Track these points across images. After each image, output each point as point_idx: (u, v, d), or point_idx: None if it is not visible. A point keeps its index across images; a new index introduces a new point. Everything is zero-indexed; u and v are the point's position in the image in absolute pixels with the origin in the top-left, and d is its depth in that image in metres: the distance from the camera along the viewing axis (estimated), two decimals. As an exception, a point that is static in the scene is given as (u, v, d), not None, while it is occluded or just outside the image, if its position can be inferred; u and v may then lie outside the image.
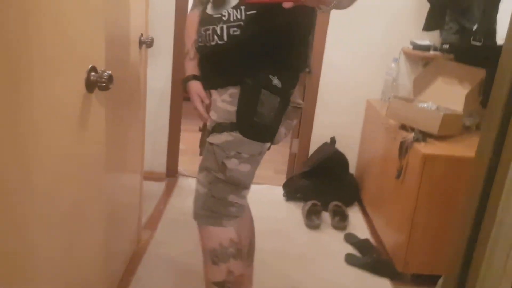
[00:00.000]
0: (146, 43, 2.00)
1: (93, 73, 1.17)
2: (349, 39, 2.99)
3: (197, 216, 1.52)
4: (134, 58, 1.85)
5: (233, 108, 1.41)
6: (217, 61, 1.46)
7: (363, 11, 2.92)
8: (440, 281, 2.12)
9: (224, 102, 1.43)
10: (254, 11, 1.37)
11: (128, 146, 1.93)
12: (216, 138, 1.43)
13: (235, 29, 1.38)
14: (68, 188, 1.19)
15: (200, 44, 1.49)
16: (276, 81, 1.40)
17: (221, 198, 1.46)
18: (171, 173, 3.21)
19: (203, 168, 1.48)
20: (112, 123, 1.52)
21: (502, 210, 1.18)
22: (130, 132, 1.92)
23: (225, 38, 1.39)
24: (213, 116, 1.46)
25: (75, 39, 1.08)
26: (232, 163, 1.42)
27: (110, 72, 1.19)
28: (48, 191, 1.05)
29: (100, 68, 1.22)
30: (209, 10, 1.45)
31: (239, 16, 1.38)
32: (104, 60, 1.29)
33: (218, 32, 1.40)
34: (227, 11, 1.39)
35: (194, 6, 1.60)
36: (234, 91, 1.41)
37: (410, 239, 2.19)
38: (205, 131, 1.62)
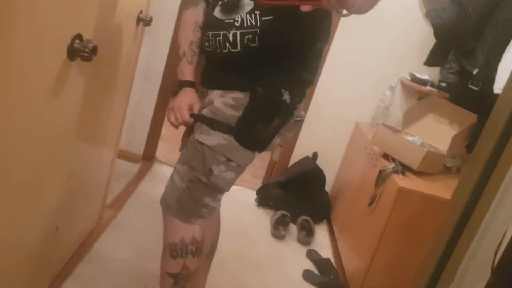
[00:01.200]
0: (144, 21, 1.95)
1: (77, 41, 1.13)
2: (349, 58, 2.98)
3: (166, 206, 1.49)
4: (128, 34, 1.80)
5: (232, 112, 1.36)
6: (228, 67, 1.41)
7: (368, 32, 2.91)
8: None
9: (225, 105, 1.37)
10: (270, 17, 1.31)
11: (105, 122, 1.88)
12: (209, 139, 1.37)
13: (249, 36, 1.32)
14: (32, 152, 1.14)
15: (208, 49, 1.42)
16: (286, 96, 1.37)
17: (197, 199, 1.43)
18: (148, 156, 3.15)
19: (186, 163, 1.43)
20: (91, 95, 1.47)
21: (470, 255, 1.17)
22: (110, 108, 1.87)
23: (238, 46, 1.33)
24: (207, 113, 1.39)
25: (63, 4, 1.03)
26: (218, 170, 1.38)
27: (95, 43, 1.15)
28: (11, 152, 1.00)
29: (86, 37, 1.18)
30: (218, 14, 1.38)
31: (253, 23, 1.31)
32: (92, 30, 1.25)
33: (231, 39, 1.33)
34: (240, 16, 1.32)
35: (189, 3, 1.50)
36: (239, 95, 1.36)
37: (370, 267, 2.18)
38: (190, 128, 1.57)
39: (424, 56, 2.71)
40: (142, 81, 2.90)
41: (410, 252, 2.15)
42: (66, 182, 1.53)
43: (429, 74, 2.84)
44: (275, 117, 1.38)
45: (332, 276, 2.37)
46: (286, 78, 1.38)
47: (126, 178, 2.82)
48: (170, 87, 3.02)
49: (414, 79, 2.83)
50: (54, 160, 1.34)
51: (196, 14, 1.46)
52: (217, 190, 1.44)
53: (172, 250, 1.48)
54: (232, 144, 1.37)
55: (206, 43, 1.41)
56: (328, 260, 2.54)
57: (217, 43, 1.37)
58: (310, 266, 2.48)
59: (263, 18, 1.31)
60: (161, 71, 2.98)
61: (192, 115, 1.40)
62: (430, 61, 2.68)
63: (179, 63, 1.46)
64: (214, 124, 1.37)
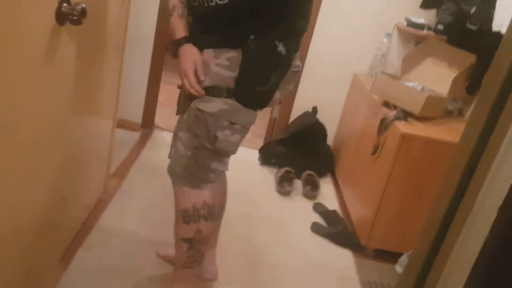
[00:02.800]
0: (131, -17, 1.89)
1: (65, 4, 1.09)
2: (343, 9, 2.91)
3: (174, 175, 1.50)
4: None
5: (229, 74, 1.33)
6: (216, 21, 1.35)
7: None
8: (401, 259, 2.15)
9: (219, 66, 1.33)
10: None
11: (101, 90, 1.85)
12: (210, 106, 1.35)
13: None
14: (31, 118, 1.13)
15: (193, 4, 1.36)
16: (281, 48, 1.32)
17: (204, 165, 1.43)
18: (147, 124, 3.13)
19: (189, 131, 1.41)
20: (83, 63, 1.44)
21: (482, 197, 1.16)
22: (104, 76, 1.84)
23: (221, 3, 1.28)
24: (206, 80, 1.36)
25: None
26: (224, 135, 1.37)
27: (84, 5, 1.11)
28: (6, 125, 0.98)
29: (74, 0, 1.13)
30: None
31: None
32: (79, -8, 1.20)
33: None
34: None
35: None
36: (233, 54, 1.32)
37: (376, 215, 2.20)
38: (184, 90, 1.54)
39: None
40: (134, 48, 2.84)
41: (416, 196, 2.17)
42: (67, 152, 1.52)
43: (426, 17, 2.78)
44: (272, 71, 1.35)
45: (340, 227, 2.40)
46: (278, 29, 1.33)
47: (128, 147, 2.81)
48: (163, 49, 2.96)
49: (411, 24, 2.77)
50: (53, 128, 1.32)
51: None
52: (224, 154, 1.44)
53: (185, 216, 1.50)
54: (234, 107, 1.35)
55: (195, 3, 1.35)
56: (334, 211, 2.57)
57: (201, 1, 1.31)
58: (317, 218, 2.51)
59: None
60: (152, 35, 2.91)
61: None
62: (426, 3, 2.62)
63: (170, 19, 1.41)
64: (213, 91, 1.35)
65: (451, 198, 1.28)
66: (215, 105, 1.34)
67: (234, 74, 1.33)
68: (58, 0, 1.08)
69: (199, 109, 1.36)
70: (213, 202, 1.52)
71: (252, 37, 1.31)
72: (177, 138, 1.47)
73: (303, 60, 3.01)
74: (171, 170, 1.49)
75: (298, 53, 1.45)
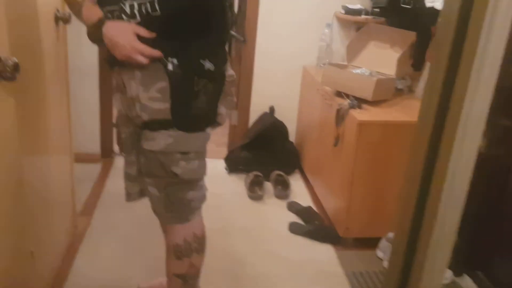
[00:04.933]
0: (63, 19, 1.84)
1: (-6, 62, 1.04)
2: (282, 6, 2.93)
3: (159, 216, 1.48)
4: (49, 37, 1.69)
5: (163, 105, 1.27)
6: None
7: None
8: (381, 243, 2.20)
9: (152, 100, 1.27)
10: None
11: (51, 129, 1.78)
12: (155, 144, 1.31)
13: (147, 5, 1.21)
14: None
15: (114, 11, 1.28)
16: (208, 65, 1.29)
17: (182, 199, 1.41)
18: (107, 153, 3.06)
19: (150, 175, 1.38)
20: (26, 110, 1.39)
21: (451, 174, 1.19)
22: (51, 113, 1.77)
23: (138, 17, 1.23)
24: (142, 116, 1.29)
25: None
26: (180, 168, 1.34)
27: (15, 59, 1.07)
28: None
29: (3, 54, 1.09)
30: None
31: None
32: (8, 46, 1.16)
33: (128, 10, 1.23)
34: None
35: None
36: (162, 85, 1.26)
37: (350, 204, 2.24)
38: (121, 126, 1.49)
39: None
40: (79, 78, 2.76)
41: (383, 179, 2.22)
42: (27, 201, 1.46)
43: (361, 3, 2.84)
44: (207, 90, 1.31)
45: (316, 222, 2.42)
46: (199, 46, 1.29)
47: (90, 181, 2.74)
48: (108, 77, 2.90)
49: (348, 11, 2.82)
50: (6, 182, 1.27)
51: None
52: (193, 182, 1.41)
53: (177, 252, 1.48)
54: (179, 136, 1.31)
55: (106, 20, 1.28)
56: (309, 207, 2.59)
57: (116, 19, 1.26)
58: (294, 218, 2.53)
59: None
60: (96, 60, 2.84)
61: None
62: (360, -10, 2.66)
63: (81, 10, 1.31)
64: (153, 126, 1.30)
65: (420, 178, 1.31)
66: (160, 142, 1.30)
67: (168, 104, 1.27)
68: (-14, 59, 1.03)
69: (148, 150, 1.33)
70: (202, 232, 1.51)
71: (175, 61, 1.25)
72: (146, 183, 1.42)
73: (251, 62, 3.02)
74: (155, 212, 1.47)
75: (227, 62, 1.41)
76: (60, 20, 1.84)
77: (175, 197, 1.40)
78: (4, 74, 1.05)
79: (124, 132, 1.47)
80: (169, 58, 1.25)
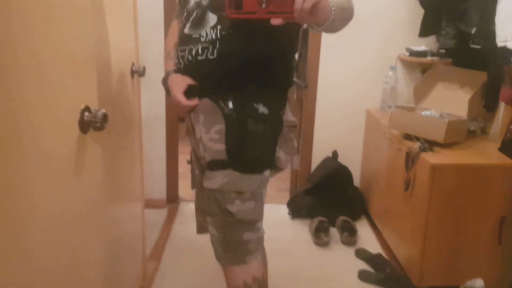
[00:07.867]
0: (138, 72, 1.94)
1: (86, 113, 1.11)
2: (343, 51, 2.94)
3: (219, 258, 1.49)
4: (127, 90, 1.79)
5: (222, 146, 1.34)
6: (201, 77, 1.37)
7: (356, 22, 2.86)
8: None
9: (212, 141, 1.35)
10: (231, 31, 1.29)
11: (127, 178, 1.86)
12: (213, 182, 1.36)
13: (206, 49, 1.31)
14: (65, 232, 1.12)
15: (177, 65, 1.41)
16: (262, 109, 1.33)
17: (238, 240, 1.42)
18: (172, 199, 3.13)
19: (209, 213, 1.42)
20: (109, 160, 1.45)
21: None
22: (128, 164, 1.85)
23: (199, 59, 1.33)
24: (205, 156, 1.38)
25: (66, 80, 1.02)
26: (235, 207, 1.36)
27: (104, 110, 1.13)
28: (44, 245, 0.97)
29: (93, 107, 1.15)
30: (188, 30, 1.38)
31: (214, 37, 1.31)
32: (97, 98, 1.23)
33: (194, 53, 1.34)
34: (205, 31, 1.32)
35: (176, 15, 1.55)
36: (220, 127, 1.34)
37: (424, 252, 2.12)
38: (194, 163, 1.57)
39: (415, 29, 2.68)
40: (147, 127, 2.88)
41: (458, 224, 2.10)
42: (104, 252, 1.50)
43: (426, 44, 2.80)
44: (260, 132, 1.34)
45: (388, 270, 2.31)
46: (255, 90, 1.34)
47: (158, 226, 2.80)
48: (176, 120, 3.02)
49: (413, 53, 2.79)
50: (88, 234, 1.31)
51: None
52: (249, 223, 1.42)
53: None
54: (234, 177, 1.34)
55: (177, 60, 1.41)
56: (379, 255, 2.49)
57: (181, 58, 1.38)
58: (363, 265, 2.43)
59: (223, 33, 1.30)
60: (163, 112, 2.97)
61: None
62: (424, 32, 2.64)
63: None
64: (212, 165, 1.36)
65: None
66: (217, 180, 1.35)
67: (224, 145, 1.34)
68: (79, 111, 1.09)
69: (207, 189, 1.38)
70: (262, 274, 1.48)
71: (230, 104, 1.32)
72: (208, 223, 1.45)
73: (313, 106, 3.03)
74: (216, 255, 1.48)
75: (287, 107, 1.43)
76: (135, 73, 1.94)
77: (232, 237, 1.40)
78: (94, 125, 1.10)
79: (196, 169, 1.54)
80: (227, 102, 1.33)
